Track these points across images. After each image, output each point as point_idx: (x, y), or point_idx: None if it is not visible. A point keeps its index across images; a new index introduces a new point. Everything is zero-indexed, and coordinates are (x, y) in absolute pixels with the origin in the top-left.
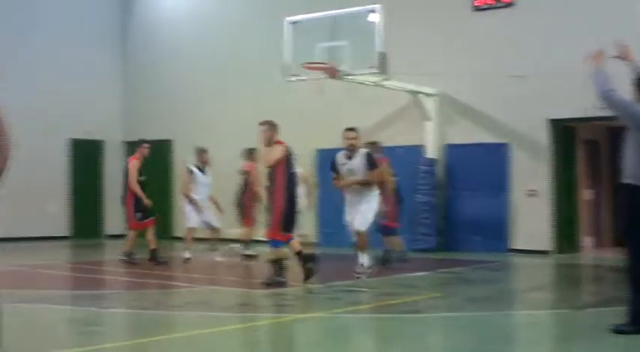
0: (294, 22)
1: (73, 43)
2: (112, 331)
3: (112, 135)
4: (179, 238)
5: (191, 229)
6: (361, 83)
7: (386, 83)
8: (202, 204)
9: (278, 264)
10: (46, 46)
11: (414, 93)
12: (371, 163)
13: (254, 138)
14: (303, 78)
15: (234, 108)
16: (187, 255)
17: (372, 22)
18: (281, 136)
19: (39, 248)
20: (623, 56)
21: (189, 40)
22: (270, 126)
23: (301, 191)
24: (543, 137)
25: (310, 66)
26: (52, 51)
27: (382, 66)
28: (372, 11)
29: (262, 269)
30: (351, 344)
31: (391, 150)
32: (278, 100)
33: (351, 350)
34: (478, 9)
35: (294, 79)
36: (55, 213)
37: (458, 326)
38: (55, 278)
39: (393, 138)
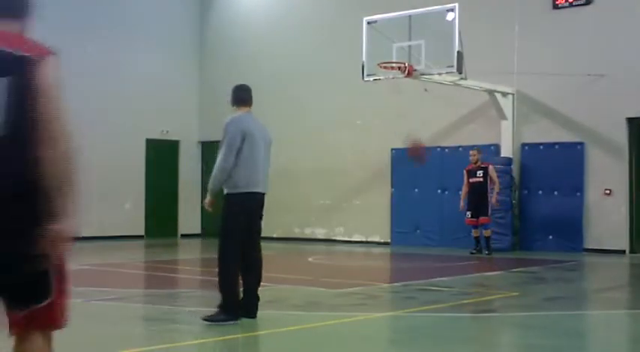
0: (372, 22)
1: (151, 45)
2: (187, 329)
3: (189, 136)
4: None
5: None
6: (438, 82)
7: (463, 82)
8: None
9: None
10: (125, 49)
11: (491, 92)
12: None
13: (330, 138)
14: (380, 77)
15: (312, 109)
16: None
17: (449, 21)
18: (357, 135)
19: (115, 247)
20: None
21: (266, 40)
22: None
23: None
24: (621, 136)
25: (387, 65)
26: (130, 53)
27: (459, 65)
28: (450, 10)
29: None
30: (426, 344)
31: (467, 150)
32: (355, 100)
33: (426, 350)
34: (557, 7)
35: (371, 78)
36: (131, 212)
37: (534, 325)
38: (130, 276)
39: (469, 137)
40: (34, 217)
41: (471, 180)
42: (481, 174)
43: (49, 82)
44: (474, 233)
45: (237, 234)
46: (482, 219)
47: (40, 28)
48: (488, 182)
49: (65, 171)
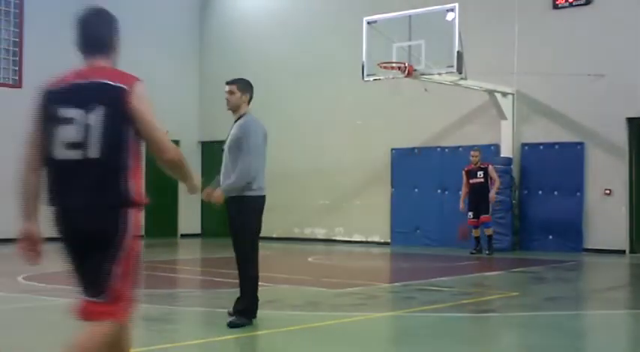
0: (372, 22)
1: (151, 45)
2: (187, 329)
3: (189, 136)
4: None
5: None
6: (438, 82)
7: (462, 82)
8: None
9: None
10: (125, 49)
11: (491, 92)
12: None
13: (331, 138)
14: (380, 77)
15: (313, 109)
16: None
17: (449, 21)
18: (357, 135)
19: None
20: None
21: (266, 40)
22: None
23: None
24: (621, 136)
25: (387, 65)
26: (130, 53)
27: (459, 65)
28: (450, 10)
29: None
30: (426, 344)
31: (467, 150)
32: (354, 100)
33: (426, 350)
34: (557, 7)
35: (371, 78)
36: None
37: (535, 325)
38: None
39: (469, 137)
40: (125, 226)
41: (471, 181)
42: (481, 175)
43: (141, 106)
44: (475, 233)
45: (258, 236)
46: (483, 217)
47: (37, 28)
48: (489, 182)
49: (178, 174)
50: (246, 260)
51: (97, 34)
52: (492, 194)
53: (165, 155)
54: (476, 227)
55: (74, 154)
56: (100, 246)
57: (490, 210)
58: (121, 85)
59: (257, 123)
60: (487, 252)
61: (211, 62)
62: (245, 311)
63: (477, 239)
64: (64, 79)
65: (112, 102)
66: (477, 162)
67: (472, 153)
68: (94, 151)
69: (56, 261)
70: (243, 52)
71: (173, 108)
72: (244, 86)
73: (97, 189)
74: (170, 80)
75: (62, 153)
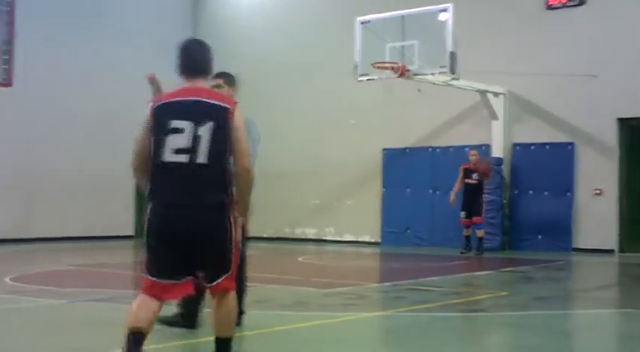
0: (365, 22)
1: (143, 42)
2: (175, 330)
3: None
4: None
5: None
6: (431, 83)
7: (455, 82)
8: None
9: None
10: (117, 48)
11: (483, 92)
12: None
13: (322, 138)
14: (373, 77)
15: (305, 108)
16: None
17: (443, 22)
18: (349, 135)
19: (104, 247)
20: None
21: (260, 39)
22: None
23: None
24: (611, 136)
25: (380, 65)
26: (124, 50)
27: (452, 65)
28: (443, 10)
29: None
30: (415, 343)
31: (458, 150)
32: (347, 100)
33: (416, 349)
34: (550, 7)
35: (364, 78)
36: (121, 212)
37: (524, 324)
38: (118, 277)
39: (461, 137)
40: (229, 222)
41: (466, 180)
42: (476, 177)
43: (238, 123)
44: (465, 232)
45: None
46: (475, 218)
47: (31, 27)
48: (483, 185)
49: (249, 180)
50: (241, 267)
51: (199, 59)
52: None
53: (244, 162)
54: (467, 227)
55: (182, 158)
56: (209, 238)
57: (482, 211)
58: (227, 106)
59: (253, 123)
60: (477, 252)
61: None
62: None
63: (467, 238)
64: (173, 95)
65: (220, 118)
66: (476, 162)
67: (471, 152)
68: (201, 157)
69: (42, 262)
70: (235, 50)
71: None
72: (231, 80)
73: (205, 189)
74: (161, 77)
75: (171, 157)
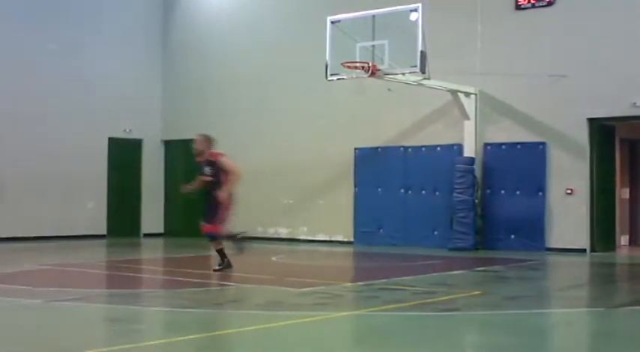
0: (336, 22)
1: (113, 43)
2: (149, 329)
3: (152, 134)
4: None
5: None
6: (401, 82)
7: (426, 82)
8: None
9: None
10: (87, 47)
11: (454, 92)
12: None
13: (294, 138)
14: (344, 77)
15: (276, 108)
16: None
17: (413, 21)
18: (321, 135)
19: (77, 246)
20: None
21: (230, 39)
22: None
23: None
24: (582, 136)
25: (350, 65)
26: (92, 51)
27: (422, 65)
28: (413, 10)
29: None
30: (389, 343)
31: (430, 149)
32: (318, 99)
33: (389, 348)
34: (520, 8)
35: (334, 78)
36: (93, 211)
37: (497, 323)
38: (92, 276)
39: (432, 137)
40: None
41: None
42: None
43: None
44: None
45: None
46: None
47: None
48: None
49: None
50: None
51: None
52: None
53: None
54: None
55: None
56: None
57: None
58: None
59: None
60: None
61: (175, 60)
62: None
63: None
64: None
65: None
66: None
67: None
68: None
69: (11, 263)
70: (206, 49)
71: (136, 107)
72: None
73: None
74: (133, 78)
75: None
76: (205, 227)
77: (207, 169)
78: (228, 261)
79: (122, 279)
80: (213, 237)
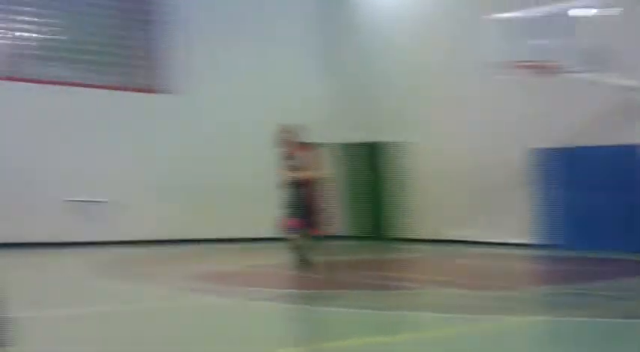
0: (504, 20)
1: (278, 46)
2: (341, 330)
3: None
4: None
5: None
6: (575, 81)
7: (600, 80)
8: None
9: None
10: (252, 52)
11: (630, 89)
12: None
13: (464, 135)
14: (512, 76)
15: (441, 108)
16: None
17: (585, 18)
18: (492, 135)
19: (262, 249)
20: None
21: (396, 38)
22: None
23: None
24: None
25: (523, 64)
26: (268, 57)
27: (600, 62)
28: (588, 7)
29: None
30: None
31: (601, 150)
32: (486, 99)
33: None
34: None
35: (503, 77)
36: None
37: None
38: (283, 277)
39: (603, 136)
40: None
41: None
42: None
43: None
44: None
45: None
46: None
47: (191, 36)
48: None
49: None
50: None
51: None
52: None
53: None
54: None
55: None
56: None
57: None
58: None
59: None
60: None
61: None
62: None
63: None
64: None
65: None
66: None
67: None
68: None
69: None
70: (378, 48)
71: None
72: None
73: None
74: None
75: None
76: (293, 222)
77: (293, 162)
78: (306, 259)
79: (313, 280)
80: (296, 232)
